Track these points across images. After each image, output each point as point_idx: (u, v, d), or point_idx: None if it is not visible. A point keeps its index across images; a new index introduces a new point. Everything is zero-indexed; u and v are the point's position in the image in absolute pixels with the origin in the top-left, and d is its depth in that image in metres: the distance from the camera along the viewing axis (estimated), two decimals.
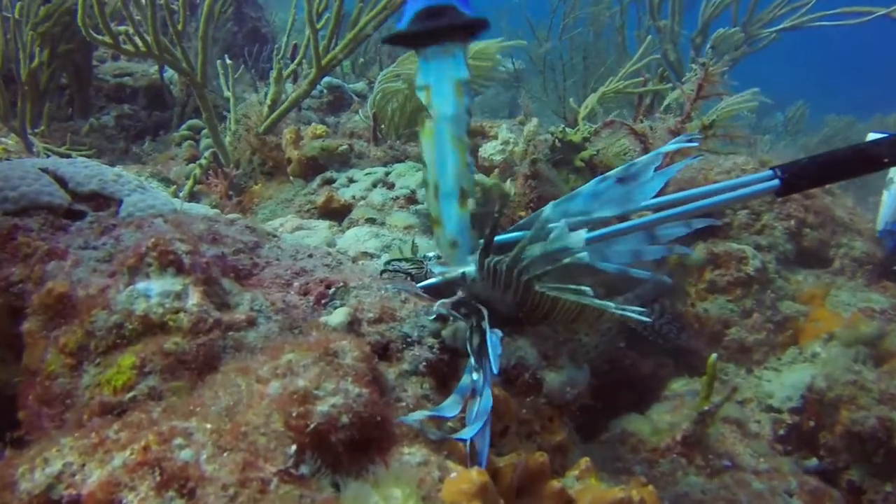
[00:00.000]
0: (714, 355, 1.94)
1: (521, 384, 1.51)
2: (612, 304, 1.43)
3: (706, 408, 1.98)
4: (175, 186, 2.73)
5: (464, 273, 1.48)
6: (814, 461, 2.64)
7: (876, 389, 2.55)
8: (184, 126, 3.92)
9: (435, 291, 1.55)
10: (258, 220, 2.66)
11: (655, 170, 1.52)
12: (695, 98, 3.13)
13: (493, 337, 1.30)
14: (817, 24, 6.02)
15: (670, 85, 4.53)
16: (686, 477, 1.89)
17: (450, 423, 1.28)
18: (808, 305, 3.04)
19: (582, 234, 1.39)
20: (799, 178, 1.62)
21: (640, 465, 1.88)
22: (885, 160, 1.60)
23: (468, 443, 1.23)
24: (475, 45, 3.26)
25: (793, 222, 3.24)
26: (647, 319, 1.49)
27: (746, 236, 3.18)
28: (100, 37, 2.65)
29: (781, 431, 2.65)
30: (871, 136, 3.05)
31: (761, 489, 1.88)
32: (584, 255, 1.35)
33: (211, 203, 2.80)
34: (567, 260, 1.37)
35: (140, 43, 2.69)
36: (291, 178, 2.81)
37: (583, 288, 1.40)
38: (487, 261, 1.46)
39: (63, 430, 1.14)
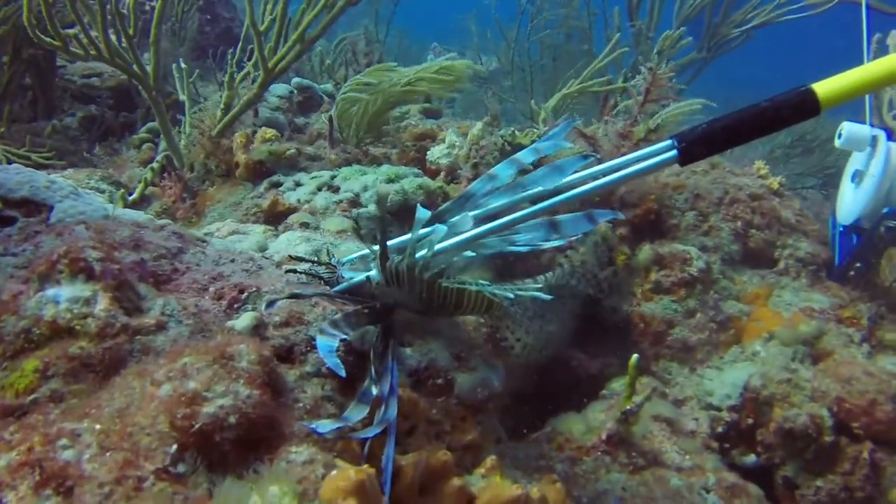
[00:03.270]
0: (635, 356, 2.00)
1: (432, 385, 1.56)
2: (510, 294, 1.49)
3: (628, 407, 2.04)
4: (123, 190, 2.77)
5: (368, 277, 1.53)
6: (752, 457, 2.71)
7: (809, 387, 2.62)
8: (143, 129, 3.95)
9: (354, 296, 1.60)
10: (207, 222, 2.69)
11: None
12: (643, 102, 3.19)
13: (323, 340, 1.33)
14: (785, 18, 6.15)
15: (632, 83, 4.58)
16: (608, 474, 1.95)
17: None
18: (751, 305, 3.11)
19: (468, 216, 1.44)
20: (698, 144, 1.55)
21: (562, 464, 1.93)
22: (788, 118, 1.51)
23: (367, 442, 1.29)
24: (443, 62, 3.33)
25: (739, 223, 3.31)
26: (546, 297, 1.52)
27: (693, 237, 3.25)
28: (47, 39, 2.66)
29: (720, 429, 2.72)
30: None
31: (679, 486, 1.95)
32: (469, 253, 1.41)
33: (163, 206, 2.84)
34: (456, 258, 1.43)
35: (89, 45, 2.71)
36: (241, 181, 2.85)
37: (480, 281, 1.46)
38: (388, 264, 1.50)
39: None
